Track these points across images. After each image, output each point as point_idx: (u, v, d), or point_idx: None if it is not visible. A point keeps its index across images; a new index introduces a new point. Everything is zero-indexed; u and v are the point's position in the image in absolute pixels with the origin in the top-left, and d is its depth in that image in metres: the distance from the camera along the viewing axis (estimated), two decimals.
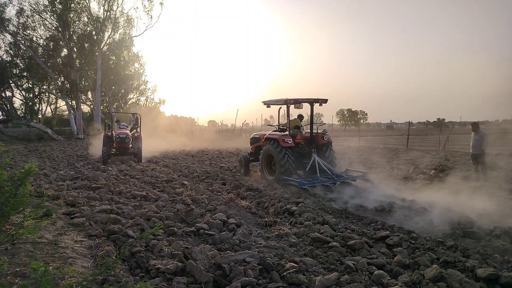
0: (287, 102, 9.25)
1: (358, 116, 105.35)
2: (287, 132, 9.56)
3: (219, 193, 7.80)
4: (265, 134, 10.22)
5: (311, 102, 9.43)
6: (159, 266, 3.49)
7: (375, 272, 3.59)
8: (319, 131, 9.96)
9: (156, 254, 3.95)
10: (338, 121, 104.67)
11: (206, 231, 4.89)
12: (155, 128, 25.04)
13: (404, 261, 3.91)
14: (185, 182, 8.97)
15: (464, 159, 14.73)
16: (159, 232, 2.21)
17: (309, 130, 9.91)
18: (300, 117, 10.74)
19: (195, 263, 3.53)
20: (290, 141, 9.02)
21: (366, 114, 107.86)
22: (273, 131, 10.39)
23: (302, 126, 10.46)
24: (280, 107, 10.11)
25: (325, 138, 9.56)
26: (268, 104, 10.03)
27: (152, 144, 17.76)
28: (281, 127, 10.26)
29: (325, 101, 9.43)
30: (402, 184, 9.24)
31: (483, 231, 5.00)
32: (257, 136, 11.07)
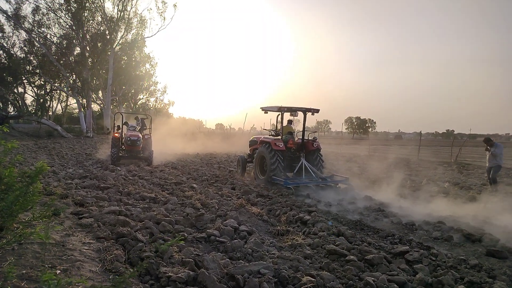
0: (280, 110, 10.15)
1: (367, 125, 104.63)
2: (279, 137, 10.35)
3: (229, 198, 7.64)
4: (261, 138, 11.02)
5: (304, 110, 10.30)
6: (170, 274, 3.33)
7: None
8: (310, 138, 10.75)
9: (166, 261, 3.79)
10: (346, 128, 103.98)
11: (217, 238, 4.73)
12: (164, 130, 25.04)
13: (427, 280, 3.70)
14: (194, 185, 8.83)
15: (477, 172, 14.40)
16: (180, 243, 2.05)
17: (301, 137, 10.66)
18: (290, 121, 11.47)
19: (207, 273, 3.36)
20: (281, 145, 9.80)
21: (375, 122, 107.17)
22: (269, 135, 11.14)
23: (294, 132, 11.25)
24: (279, 114, 10.65)
25: (315, 145, 10.33)
26: (265, 110, 10.90)
27: (160, 146, 17.69)
28: (275, 132, 11.04)
29: (317, 110, 10.34)
30: (415, 196, 8.99)
31: (508, 250, 4.77)
32: (255, 139, 11.70)
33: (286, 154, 10.11)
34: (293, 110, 10.22)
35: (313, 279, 3.40)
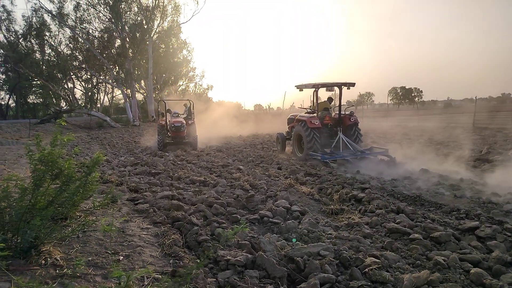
0: (315, 86, 10.27)
1: (413, 94, 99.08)
2: (315, 114, 10.38)
3: (276, 178, 7.53)
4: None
5: (339, 85, 10.23)
6: (228, 257, 3.30)
7: (472, 271, 3.11)
8: (346, 112, 10.66)
9: (222, 244, 3.77)
10: (390, 100, 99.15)
11: (270, 219, 4.65)
12: (205, 115, 25.36)
13: (505, 258, 3.36)
14: (241, 167, 8.83)
15: None
16: (244, 230, 1.96)
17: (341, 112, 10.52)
18: (330, 99, 11.42)
19: (266, 255, 3.28)
20: (317, 122, 9.88)
21: (421, 91, 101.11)
22: (305, 113, 11.04)
23: (331, 107, 11.18)
24: (315, 90, 10.61)
25: (352, 119, 10.32)
26: (300, 87, 10.91)
27: (202, 130, 17.94)
28: (311, 109, 11.00)
29: (353, 84, 10.14)
30: (476, 167, 8.32)
31: None
32: (292, 117, 11.74)
33: (323, 131, 10.15)
34: (327, 86, 10.33)
35: (377, 260, 3.20)
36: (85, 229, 3.71)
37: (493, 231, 3.99)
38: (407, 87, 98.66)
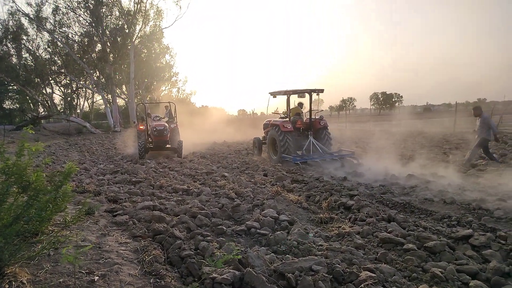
0: (286, 93, 11.11)
1: (393, 99, 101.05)
2: (287, 119, 11.18)
3: (263, 186, 7.32)
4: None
5: (309, 92, 10.88)
6: (214, 275, 3.05)
7: (471, 283, 2.97)
8: (317, 117, 11.29)
9: (207, 259, 3.52)
10: (372, 105, 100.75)
11: (257, 230, 4.43)
12: (187, 120, 24.95)
13: (503, 269, 3.24)
14: (226, 174, 8.58)
15: None
16: (237, 257, 1.73)
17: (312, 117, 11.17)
18: (300, 104, 12.13)
19: (255, 272, 3.06)
20: (289, 126, 10.48)
21: (401, 97, 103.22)
22: (279, 118, 11.86)
23: (302, 113, 11.94)
24: (287, 96, 11.39)
25: (322, 123, 10.96)
26: (273, 94, 11.62)
27: (185, 136, 17.53)
28: (283, 114, 11.81)
29: (321, 91, 10.86)
30: (462, 172, 8.34)
31: None
32: (268, 122, 12.31)
33: (295, 134, 10.73)
34: (298, 92, 10.99)
35: (373, 274, 3.02)
36: (57, 247, 3.39)
37: (487, 239, 3.89)
38: (387, 93, 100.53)
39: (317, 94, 11.02)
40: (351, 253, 3.61)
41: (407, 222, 4.60)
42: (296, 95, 11.25)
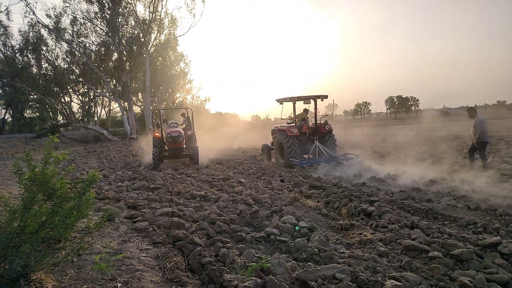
0: (292, 99, 11.52)
1: (409, 103, 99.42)
2: (293, 124, 11.55)
3: (280, 192, 7.27)
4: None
5: (314, 98, 11.22)
6: (236, 282, 3.03)
7: None
8: (322, 122, 11.66)
9: (228, 266, 3.50)
10: (387, 108, 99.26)
11: (277, 237, 4.38)
12: (202, 126, 25.07)
13: None
14: (242, 180, 8.56)
15: None
16: (264, 266, 1.70)
17: (317, 122, 11.57)
18: (306, 111, 12.53)
19: (276, 280, 3.01)
20: (295, 131, 10.84)
21: (418, 100, 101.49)
22: (286, 124, 12.17)
23: (308, 118, 12.29)
24: (293, 103, 11.78)
25: (327, 127, 11.35)
26: (280, 101, 12.17)
27: (200, 142, 17.55)
28: (290, 120, 12.33)
29: (326, 96, 11.07)
30: (485, 176, 8.09)
31: None
32: (275, 128, 12.62)
33: (301, 139, 11.17)
34: (303, 99, 11.38)
35: (399, 283, 2.94)
36: (80, 253, 3.43)
37: None
38: (403, 96, 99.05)
39: (321, 100, 11.26)
40: (374, 261, 3.53)
41: (430, 228, 4.47)
42: (302, 101, 11.63)
